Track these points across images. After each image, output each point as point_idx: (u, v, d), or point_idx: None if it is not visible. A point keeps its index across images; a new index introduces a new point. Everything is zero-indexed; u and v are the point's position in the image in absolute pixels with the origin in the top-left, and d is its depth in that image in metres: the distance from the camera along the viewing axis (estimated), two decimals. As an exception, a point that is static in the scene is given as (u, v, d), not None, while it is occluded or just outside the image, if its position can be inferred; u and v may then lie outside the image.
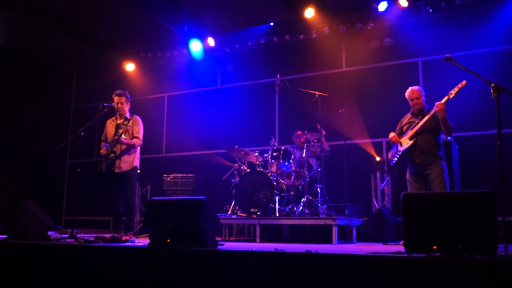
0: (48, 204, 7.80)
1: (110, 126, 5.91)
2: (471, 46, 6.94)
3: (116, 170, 5.64)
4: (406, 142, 4.94)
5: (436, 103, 4.73)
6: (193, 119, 8.97)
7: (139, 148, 5.89)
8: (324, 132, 6.38)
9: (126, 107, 5.89)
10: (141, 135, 5.84)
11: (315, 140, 6.44)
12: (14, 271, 3.76)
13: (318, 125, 6.50)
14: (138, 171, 5.93)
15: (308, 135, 6.45)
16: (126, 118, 5.81)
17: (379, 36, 7.61)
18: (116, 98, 5.84)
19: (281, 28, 8.29)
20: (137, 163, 5.82)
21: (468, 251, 2.65)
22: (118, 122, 5.84)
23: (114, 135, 5.71)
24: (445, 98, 4.72)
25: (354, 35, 7.79)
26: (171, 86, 9.38)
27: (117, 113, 5.90)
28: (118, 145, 5.66)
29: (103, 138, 5.97)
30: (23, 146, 9.72)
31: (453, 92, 4.68)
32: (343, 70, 7.92)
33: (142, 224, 6.96)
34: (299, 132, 6.58)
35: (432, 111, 4.78)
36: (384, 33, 7.59)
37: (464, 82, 4.63)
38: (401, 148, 4.98)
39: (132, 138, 5.76)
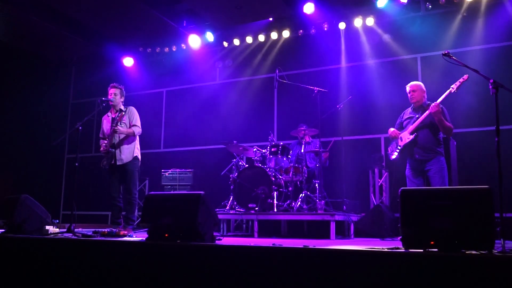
0: (46, 199, 7.78)
1: (105, 122, 5.85)
2: (470, 43, 6.94)
3: (118, 163, 5.54)
4: (406, 137, 4.93)
5: (431, 105, 4.71)
6: (191, 114, 8.96)
7: (138, 137, 5.78)
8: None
9: (120, 100, 5.83)
10: (139, 123, 5.73)
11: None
12: (12, 265, 3.76)
13: (303, 128, 6.53)
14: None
15: (306, 131, 6.45)
16: (121, 110, 5.71)
17: (378, 32, 7.60)
18: (111, 90, 5.78)
19: (280, 23, 8.27)
20: (137, 153, 5.70)
21: (465, 247, 2.66)
22: (113, 116, 5.76)
23: (111, 128, 5.63)
24: (444, 95, 4.72)
25: (353, 31, 7.79)
26: (170, 81, 9.37)
27: (112, 107, 5.85)
28: (116, 136, 5.58)
29: (101, 135, 5.86)
30: (21, 141, 9.70)
31: (454, 87, 4.67)
32: (342, 66, 7.91)
33: (140, 219, 6.96)
34: (302, 128, 6.58)
35: (428, 112, 4.77)
36: (383, 29, 7.58)
37: (466, 77, 4.63)
38: (401, 143, 4.97)
39: (131, 127, 5.69)
